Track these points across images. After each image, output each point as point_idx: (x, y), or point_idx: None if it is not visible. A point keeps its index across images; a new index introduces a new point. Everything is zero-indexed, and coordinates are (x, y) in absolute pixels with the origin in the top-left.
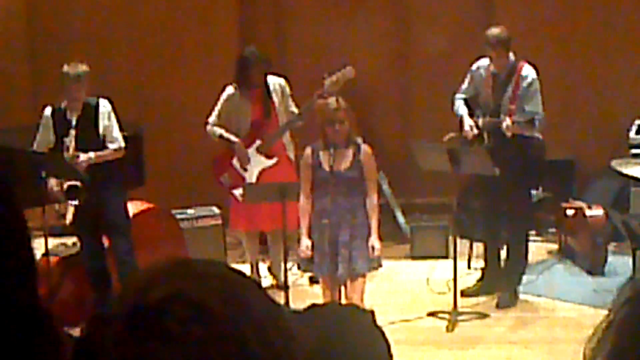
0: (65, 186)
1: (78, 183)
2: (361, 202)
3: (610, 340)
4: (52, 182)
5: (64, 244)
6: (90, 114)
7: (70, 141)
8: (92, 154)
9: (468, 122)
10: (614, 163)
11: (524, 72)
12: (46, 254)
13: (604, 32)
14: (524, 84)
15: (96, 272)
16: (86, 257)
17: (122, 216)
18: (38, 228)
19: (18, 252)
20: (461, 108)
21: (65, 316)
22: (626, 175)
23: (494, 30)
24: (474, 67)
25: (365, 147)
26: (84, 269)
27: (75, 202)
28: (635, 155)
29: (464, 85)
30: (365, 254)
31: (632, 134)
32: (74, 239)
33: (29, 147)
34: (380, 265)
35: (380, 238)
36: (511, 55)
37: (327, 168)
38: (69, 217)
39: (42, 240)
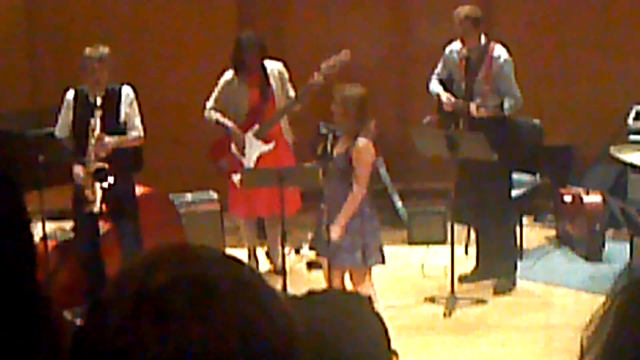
0: (92, 169)
1: (105, 165)
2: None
3: (607, 327)
4: (78, 168)
5: (62, 228)
6: (113, 99)
7: (96, 122)
8: (115, 137)
9: (444, 95)
10: (612, 149)
11: (495, 53)
12: (44, 237)
13: (601, 21)
14: (496, 64)
15: (90, 257)
16: (81, 242)
17: (132, 200)
18: (36, 212)
19: (18, 237)
20: (435, 86)
21: (63, 299)
22: (624, 162)
23: (464, 8)
24: (447, 50)
25: (360, 142)
26: (78, 254)
27: (105, 184)
28: (633, 142)
29: (438, 69)
30: (348, 247)
31: (630, 121)
32: (72, 223)
33: (27, 131)
34: (365, 266)
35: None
36: (482, 37)
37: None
38: (98, 202)
39: (40, 224)
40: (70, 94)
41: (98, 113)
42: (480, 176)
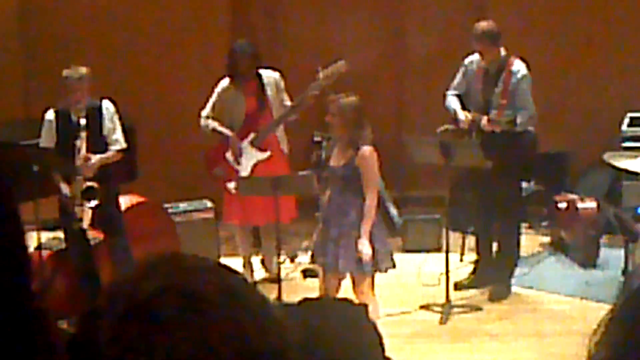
0: (81, 189)
1: (94, 184)
2: (355, 202)
3: (615, 333)
4: (64, 187)
5: (57, 238)
6: (95, 116)
7: (82, 143)
8: (99, 156)
9: (462, 113)
10: (606, 156)
11: (514, 67)
12: (39, 247)
13: (595, 27)
14: (514, 79)
15: (84, 268)
16: (73, 254)
17: (117, 211)
18: (31, 222)
19: (12, 248)
20: (453, 102)
21: (58, 309)
22: (618, 168)
23: (482, 24)
24: (466, 61)
25: (363, 150)
26: (72, 264)
27: (93, 204)
28: (627, 149)
29: (456, 81)
30: (351, 255)
31: (624, 127)
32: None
33: (21, 141)
34: (379, 270)
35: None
36: (502, 51)
37: (330, 162)
38: (87, 219)
39: (35, 234)
40: (50, 115)
41: (83, 134)
42: (491, 185)
